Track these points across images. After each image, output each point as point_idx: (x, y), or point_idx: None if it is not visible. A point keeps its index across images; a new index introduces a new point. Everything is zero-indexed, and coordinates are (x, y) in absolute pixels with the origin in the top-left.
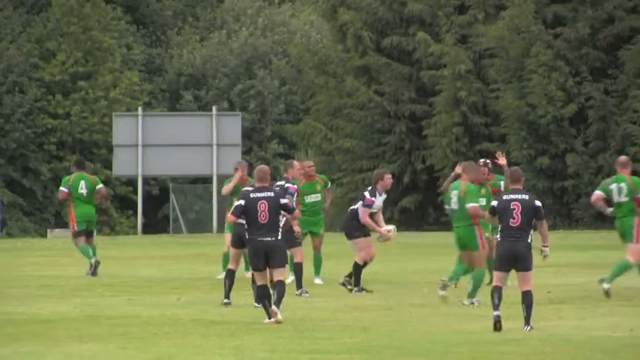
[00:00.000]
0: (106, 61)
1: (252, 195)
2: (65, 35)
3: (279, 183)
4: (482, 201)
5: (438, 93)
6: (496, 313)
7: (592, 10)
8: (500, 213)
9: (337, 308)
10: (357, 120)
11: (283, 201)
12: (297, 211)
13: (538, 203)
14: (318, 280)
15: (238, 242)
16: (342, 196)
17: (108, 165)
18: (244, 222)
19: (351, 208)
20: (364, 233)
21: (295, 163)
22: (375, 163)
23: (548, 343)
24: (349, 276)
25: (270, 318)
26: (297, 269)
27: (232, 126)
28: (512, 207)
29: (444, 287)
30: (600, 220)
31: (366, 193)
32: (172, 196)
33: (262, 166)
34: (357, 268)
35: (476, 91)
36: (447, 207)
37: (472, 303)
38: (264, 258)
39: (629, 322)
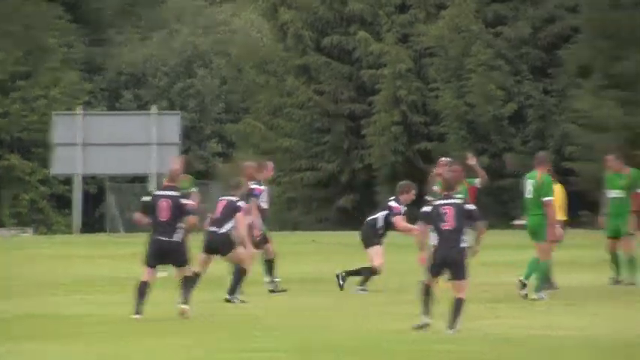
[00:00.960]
0: (46, 60)
1: (156, 193)
2: (5, 34)
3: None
4: None
5: (377, 92)
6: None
7: (533, 9)
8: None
9: (275, 308)
10: (296, 119)
11: (183, 201)
12: (192, 217)
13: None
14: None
15: (207, 247)
16: (279, 195)
17: (45, 164)
18: (212, 228)
19: (369, 218)
20: (380, 242)
21: (270, 164)
22: (313, 162)
23: (486, 342)
24: (351, 273)
25: (137, 314)
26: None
27: (171, 125)
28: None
29: (523, 287)
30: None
31: (392, 203)
32: (109, 195)
33: (176, 167)
34: (369, 272)
35: (415, 90)
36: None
37: (541, 297)
38: (160, 257)
39: (566, 320)
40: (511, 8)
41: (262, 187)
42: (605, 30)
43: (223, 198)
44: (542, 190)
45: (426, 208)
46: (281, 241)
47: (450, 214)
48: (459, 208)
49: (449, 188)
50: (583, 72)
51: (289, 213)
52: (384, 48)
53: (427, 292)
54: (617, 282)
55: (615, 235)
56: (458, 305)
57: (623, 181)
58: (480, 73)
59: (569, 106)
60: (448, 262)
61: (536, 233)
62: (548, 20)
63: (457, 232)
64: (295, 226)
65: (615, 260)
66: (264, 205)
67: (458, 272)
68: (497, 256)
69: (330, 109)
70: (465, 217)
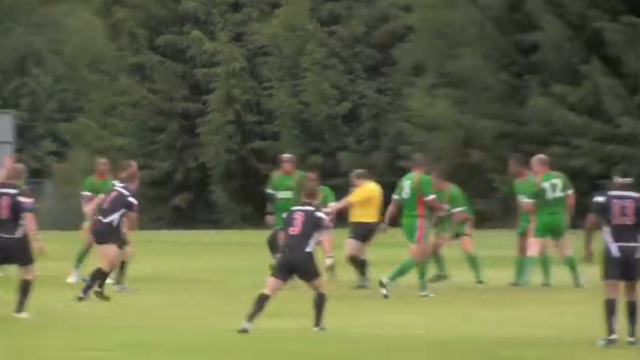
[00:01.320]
0: None
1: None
2: None
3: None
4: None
5: (211, 91)
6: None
7: (367, 8)
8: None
9: (110, 306)
10: (129, 118)
11: (20, 199)
12: (29, 215)
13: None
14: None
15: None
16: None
17: None
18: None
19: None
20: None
21: (101, 159)
22: (147, 161)
23: (323, 340)
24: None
25: None
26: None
27: (4, 124)
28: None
29: (383, 286)
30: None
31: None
32: None
33: (17, 165)
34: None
35: (249, 90)
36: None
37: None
38: (4, 256)
39: (401, 319)
40: (345, 7)
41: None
42: (438, 29)
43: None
44: (422, 190)
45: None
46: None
47: (299, 219)
48: (308, 215)
49: (309, 196)
50: (416, 71)
51: None
52: (217, 47)
53: (262, 301)
54: (439, 278)
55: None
56: (320, 301)
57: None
58: (315, 71)
59: (403, 104)
60: (293, 265)
61: (412, 233)
62: (382, 19)
63: (303, 238)
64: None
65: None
66: None
67: (306, 274)
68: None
69: (164, 108)
70: (312, 224)
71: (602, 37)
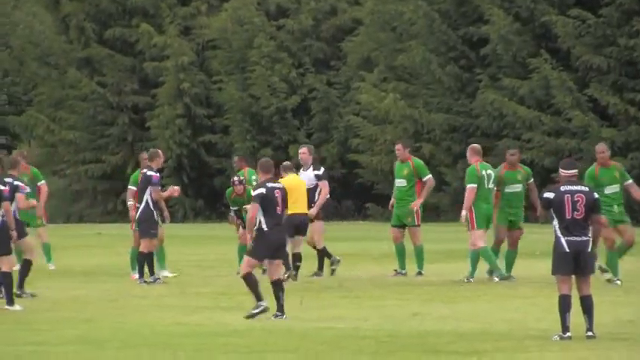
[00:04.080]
0: None
1: None
2: None
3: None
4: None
5: (161, 85)
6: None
7: (315, 1)
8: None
9: (59, 299)
10: (79, 112)
11: None
12: (6, 203)
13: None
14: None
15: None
16: (65, 188)
17: None
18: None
19: None
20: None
21: (160, 152)
22: (97, 154)
23: (271, 334)
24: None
25: None
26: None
27: None
28: (275, 195)
29: (603, 271)
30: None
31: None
32: None
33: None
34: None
35: (199, 83)
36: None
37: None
38: None
39: (350, 313)
40: (293, 1)
41: (158, 175)
42: (387, 22)
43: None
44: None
45: (260, 190)
46: (66, 234)
47: (279, 198)
48: (283, 192)
49: (266, 171)
50: (366, 64)
51: (75, 205)
52: (166, 40)
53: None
54: (399, 273)
55: (399, 224)
56: (280, 287)
57: (407, 170)
58: (264, 65)
59: (353, 98)
60: (282, 243)
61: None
62: (330, 12)
63: (282, 217)
64: (81, 219)
65: (400, 251)
66: None
67: (281, 254)
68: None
69: (113, 102)
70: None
71: (551, 31)
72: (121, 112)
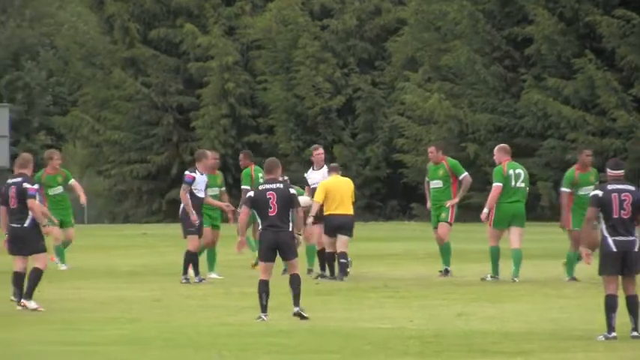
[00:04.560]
0: None
1: (8, 180)
2: None
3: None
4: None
5: (205, 85)
6: (264, 317)
7: (359, 1)
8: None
9: (105, 300)
10: (124, 112)
11: (26, 186)
12: (32, 201)
13: (292, 191)
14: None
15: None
16: (110, 188)
17: None
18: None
19: None
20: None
21: (209, 153)
22: (142, 154)
23: (315, 334)
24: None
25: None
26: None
27: (0, 118)
28: (268, 197)
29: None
30: (369, 212)
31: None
32: None
33: (24, 154)
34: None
35: (243, 83)
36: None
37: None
38: (17, 244)
39: (396, 313)
40: (337, 1)
41: (193, 174)
42: (432, 22)
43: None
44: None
45: (249, 193)
46: (112, 234)
47: (274, 199)
48: (282, 193)
49: (270, 171)
50: (410, 64)
51: (120, 205)
52: (210, 41)
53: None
54: (447, 273)
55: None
56: (297, 281)
57: (442, 171)
58: (308, 65)
59: (398, 98)
60: (279, 244)
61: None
62: (374, 12)
63: (282, 218)
64: (126, 219)
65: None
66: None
67: (288, 252)
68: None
69: (158, 102)
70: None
71: (596, 31)
72: (165, 113)
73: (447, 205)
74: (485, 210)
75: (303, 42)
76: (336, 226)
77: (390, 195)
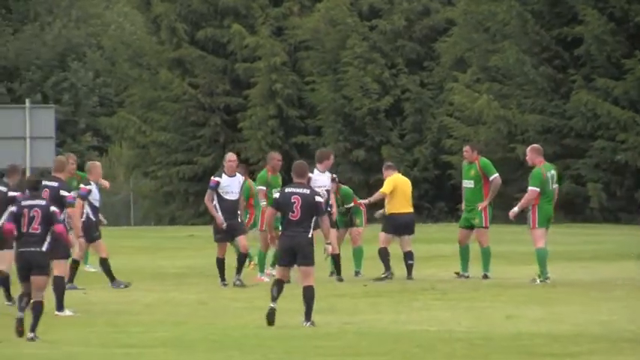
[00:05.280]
0: None
1: (24, 202)
2: None
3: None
4: None
5: (253, 85)
6: (272, 305)
7: (407, 2)
8: (282, 206)
9: (151, 302)
10: (171, 113)
11: (63, 193)
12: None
13: (318, 199)
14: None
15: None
16: (157, 189)
17: None
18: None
19: None
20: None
21: (274, 154)
22: (189, 156)
23: (364, 337)
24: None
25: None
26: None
27: (46, 118)
28: (292, 200)
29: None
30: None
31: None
32: None
33: (61, 157)
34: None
35: (291, 84)
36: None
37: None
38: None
39: (444, 315)
40: (385, 2)
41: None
42: (480, 23)
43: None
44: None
45: (276, 195)
46: (158, 236)
47: (297, 204)
48: (307, 199)
49: (300, 175)
50: (459, 65)
51: (167, 207)
52: (258, 41)
53: (278, 288)
54: (462, 276)
55: (467, 226)
56: (309, 295)
57: (474, 171)
58: (356, 65)
59: (446, 99)
60: (295, 249)
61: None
62: (423, 13)
63: (303, 223)
64: (172, 220)
65: (463, 254)
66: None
67: (302, 257)
68: (374, 251)
69: (205, 103)
70: (313, 209)
71: None
72: (212, 114)
73: (479, 209)
74: (516, 209)
75: (351, 42)
76: (402, 225)
77: (438, 196)
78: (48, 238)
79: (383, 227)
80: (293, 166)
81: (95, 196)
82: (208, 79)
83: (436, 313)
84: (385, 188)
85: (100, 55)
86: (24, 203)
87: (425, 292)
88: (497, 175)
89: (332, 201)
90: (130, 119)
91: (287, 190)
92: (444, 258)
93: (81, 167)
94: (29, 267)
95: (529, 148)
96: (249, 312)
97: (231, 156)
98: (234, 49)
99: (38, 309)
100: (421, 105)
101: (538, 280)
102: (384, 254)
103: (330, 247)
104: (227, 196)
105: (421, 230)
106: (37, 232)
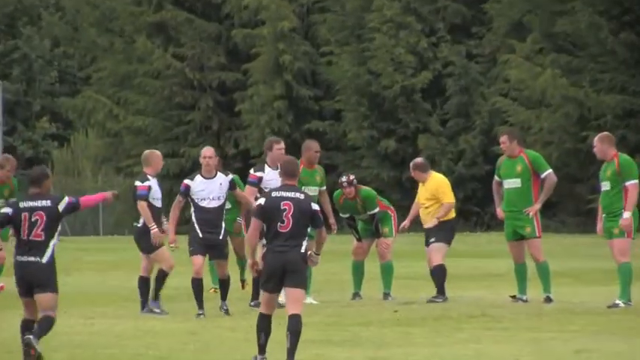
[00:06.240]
0: None
1: (22, 204)
2: None
3: None
4: None
5: (254, 58)
6: (260, 358)
7: None
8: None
9: (123, 332)
10: (151, 92)
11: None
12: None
13: (315, 207)
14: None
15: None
16: (131, 189)
17: None
18: None
19: None
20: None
21: (311, 143)
22: (174, 146)
23: None
24: None
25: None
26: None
27: None
28: (282, 207)
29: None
30: (463, 219)
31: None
32: None
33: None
34: None
35: (303, 55)
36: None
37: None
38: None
39: (497, 349)
40: None
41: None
42: None
43: None
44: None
45: (259, 201)
46: (132, 247)
47: (289, 212)
48: (300, 205)
49: (290, 176)
50: (517, 31)
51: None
52: (261, 2)
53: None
54: (518, 299)
55: (514, 238)
56: (296, 326)
57: (521, 167)
58: (385, 32)
59: (501, 74)
60: (285, 267)
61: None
62: None
63: (295, 236)
64: None
65: (520, 272)
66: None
67: (292, 277)
68: (405, 268)
69: (194, 79)
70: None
71: None
72: (203, 93)
73: (530, 215)
74: (627, 215)
75: (378, 3)
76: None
77: (490, 198)
78: (52, 245)
79: (443, 237)
80: (280, 163)
81: (156, 195)
82: (198, 50)
83: (487, 347)
84: (449, 196)
85: (59, 18)
86: (22, 205)
87: (472, 319)
88: (551, 171)
89: (328, 211)
90: (98, 100)
91: (274, 194)
92: (498, 277)
93: (33, 161)
94: (29, 283)
95: (598, 138)
96: (249, 345)
97: (206, 151)
98: (230, 11)
99: (48, 321)
100: (468, 82)
101: (621, 304)
102: (442, 273)
103: (317, 259)
104: (203, 204)
105: (468, 241)
106: (40, 239)
